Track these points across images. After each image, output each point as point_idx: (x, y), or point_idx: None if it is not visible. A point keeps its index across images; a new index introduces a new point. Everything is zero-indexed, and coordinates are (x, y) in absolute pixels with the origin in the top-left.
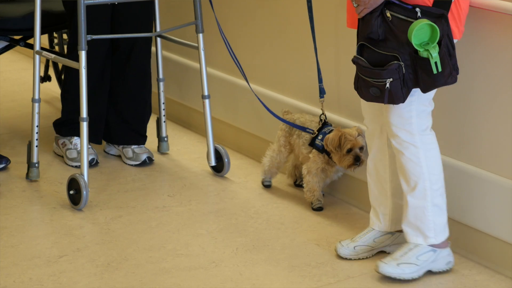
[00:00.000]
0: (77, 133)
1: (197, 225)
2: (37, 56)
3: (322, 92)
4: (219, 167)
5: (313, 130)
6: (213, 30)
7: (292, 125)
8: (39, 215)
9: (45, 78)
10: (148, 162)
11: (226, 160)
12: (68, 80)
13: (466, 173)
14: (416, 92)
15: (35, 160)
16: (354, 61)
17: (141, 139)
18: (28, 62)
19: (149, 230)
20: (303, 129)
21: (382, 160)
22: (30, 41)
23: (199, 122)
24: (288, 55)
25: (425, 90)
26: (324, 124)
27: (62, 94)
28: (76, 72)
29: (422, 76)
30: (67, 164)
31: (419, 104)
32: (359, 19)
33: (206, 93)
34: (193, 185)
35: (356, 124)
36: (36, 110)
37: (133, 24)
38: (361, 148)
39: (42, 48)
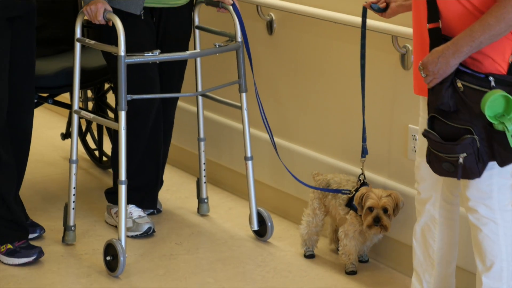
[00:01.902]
0: (133, 201)
1: None
2: (75, 116)
3: (364, 151)
4: (262, 231)
5: (349, 191)
6: (258, 90)
7: (326, 190)
8: (75, 279)
9: (67, 135)
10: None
11: (269, 224)
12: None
13: None
14: (496, 164)
15: (71, 223)
16: (424, 135)
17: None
18: (49, 116)
19: None
20: (338, 191)
21: (432, 230)
22: (60, 98)
23: (242, 186)
24: (331, 113)
25: (502, 164)
26: (363, 184)
27: (112, 161)
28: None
29: (499, 149)
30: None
31: (500, 177)
32: (428, 89)
33: (249, 154)
34: (234, 248)
35: (400, 187)
36: (74, 171)
37: (168, 83)
38: (385, 210)
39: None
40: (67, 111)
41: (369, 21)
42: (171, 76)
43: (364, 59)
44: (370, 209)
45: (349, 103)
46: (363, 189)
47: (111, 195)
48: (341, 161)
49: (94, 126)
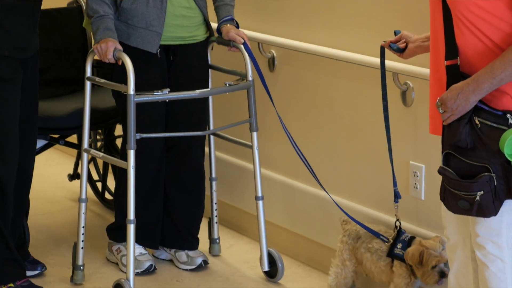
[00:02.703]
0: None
1: None
2: (85, 155)
3: (397, 196)
4: (272, 272)
5: (387, 238)
6: (269, 129)
7: (368, 229)
8: None
9: (74, 176)
10: (204, 265)
11: (279, 265)
12: (122, 182)
13: None
14: (507, 202)
15: (80, 262)
16: (440, 172)
17: (195, 242)
18: (50, 153)
19: None
20: (377, 235)
21: (466, 276)
22: (68, 138)
23: (252, 226)
24: (357, 157)
25: None
26: (399, 231)
27: (115, 198)
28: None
29: None
30: (122, 271)
31: (511, 215)
32: (444, 126)
33: (259, 194)
34: None
35: (433, 234)
36: (83, 210)
37: (187, 121)
38: (446, 263)
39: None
40: (67, 147)
41: (369, 58)
42: (192, 114)
43: (386, 100)
44: (433, 266)
45: (355, 141)
46: (418, 246)
47: (113, 232)
48: (370, 208)
49: (100, 162)
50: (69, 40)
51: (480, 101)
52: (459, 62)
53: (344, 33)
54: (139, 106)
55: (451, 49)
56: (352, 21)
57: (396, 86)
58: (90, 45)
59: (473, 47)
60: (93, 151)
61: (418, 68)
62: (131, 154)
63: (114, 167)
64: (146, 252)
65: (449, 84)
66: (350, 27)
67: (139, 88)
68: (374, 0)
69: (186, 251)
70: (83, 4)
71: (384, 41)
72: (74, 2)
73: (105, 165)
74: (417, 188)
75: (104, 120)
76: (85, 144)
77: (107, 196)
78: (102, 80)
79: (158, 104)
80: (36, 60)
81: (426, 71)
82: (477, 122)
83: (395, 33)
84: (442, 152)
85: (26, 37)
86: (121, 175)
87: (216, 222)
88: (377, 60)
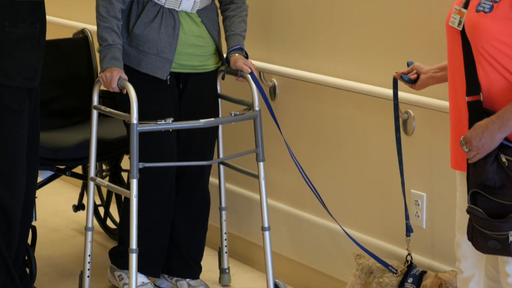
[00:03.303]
0: (137, 267)
1: None
2: (91, 183)
3: (409, 230)
4: None
5: (396, 270)
6: (275, 158)
7: (378, 259)
8: None
9: (79, 206)
10: None
11: None
12: (127, 208)
13: None
14: None
15: None
16: (469, 211)
17: (198, 271)
18: (57, 184)
19: None
20: (386, 265)
21: None
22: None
23: (260, 257)
24: (363, 188)
25: None
26: (410, 265)
27: (120, 222)
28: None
29: None
30: None
31: None
32: (469, 164)
33: (266, 224)
34: None
35: (447, 268)
36: (89, 238)
37: (197, 150)
38: None
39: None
40: (71, 177)
41: (370, 87)
42: (203, 143)
43: (399, 132)
44: None
45: (361, 171)
46: (435, 279)
47: (115, 257)
48: (381, 240)
49: (104, 190)
50: (75, 70)
51: (506, 138)
52: (482, 99)
53: (346, 62)
54: (148, 134)
55: (473, 85)
56: (353, 50)
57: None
58: (96, 75)
59: (496, 83)
60: (98, 180)
61: (419, 97)
62: (134, 183)
63: (117, 194)
64: (149, 281)
65: (471, 120)
66: (352, 56)
67: (149, 115)
68: (375, 29)
69: (188, 280)
70: (89, 34)
71: (396, 72)
72: (80, 33)
73: (109, 192)
74: (418, 216)
75: (111, 151)
76: (92, 173)
77: (109, 223)
78: (108, 109)
79: (166, 132)
80: (39, 89)
81: (427, 100)
82: (504, 160)
83: (408, 65)
84: (468, 190)
85: (35, 67)
86: (126, 202)
87: (226, 252)
88: (380, 90)
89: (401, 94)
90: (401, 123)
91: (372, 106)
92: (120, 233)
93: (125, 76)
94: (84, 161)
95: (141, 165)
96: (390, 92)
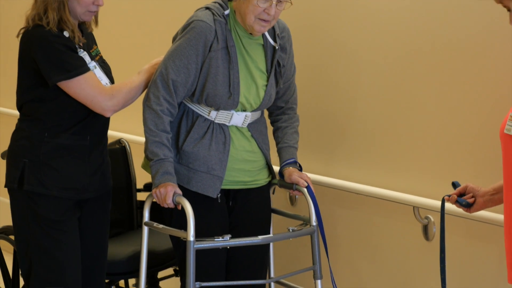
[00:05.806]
0: None
1: None
2: None
3: None
4: None
5: None
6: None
7: None
8: None
9: None
10: None
11: None
12: None
13: None
14: None
15: None
16: None
17: None
18: None
19: None
20: None
21: None
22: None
23: None
24: None
25: None
26: None
27: None
28: None
29: None
30: None
31: None
32: None
33: None
34: None
35: None
36: None
37: (248, 268)
38: None
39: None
40: None
41: (389, 192)
42: (254, 260)
43: (444, 252)
44: None
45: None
46: None
47: None
48: None
49: None
50: (113, 182)
51: None
52: None
53: (365, 168)
54: (198, 252)
55: None
56: (372, 156)
57: (417, 220)
58: (134, 186)
59: None
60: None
61: (438, 202)
62: None
63: None
64: None
65: None
66: (370, 162)
67: (198, 234)
68: (390, 138)
69: None
70: (126, 144)
71: (448, 196)
72: (117, 143)
73: None
74: None
75: (159, 264)
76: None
77: None
78: (161, 226)
79: (218, 250)
80: (104, 202)
81: (447, 205)
82: None
83: (454, 185)
84: None
85: (81, 179)
86: None
87: None
88: (394, 194)
89: (420, 199)
90: (421, 228)
91: (390, 211)
92: None
93: (179, 191)
94: (127, 275)
95: (197, 284)
96: (399, 195)
